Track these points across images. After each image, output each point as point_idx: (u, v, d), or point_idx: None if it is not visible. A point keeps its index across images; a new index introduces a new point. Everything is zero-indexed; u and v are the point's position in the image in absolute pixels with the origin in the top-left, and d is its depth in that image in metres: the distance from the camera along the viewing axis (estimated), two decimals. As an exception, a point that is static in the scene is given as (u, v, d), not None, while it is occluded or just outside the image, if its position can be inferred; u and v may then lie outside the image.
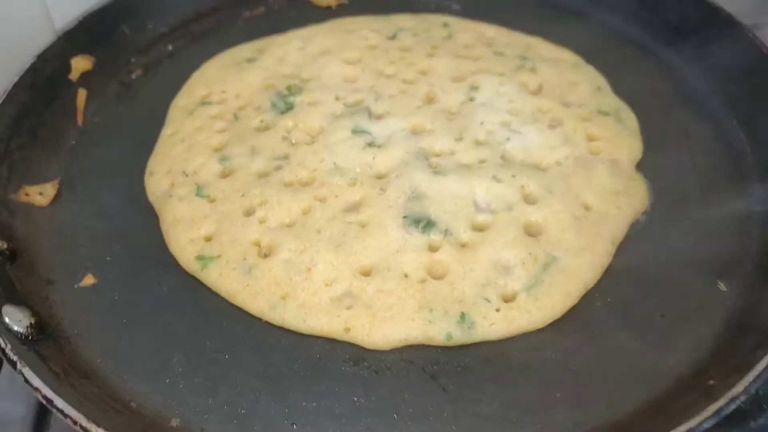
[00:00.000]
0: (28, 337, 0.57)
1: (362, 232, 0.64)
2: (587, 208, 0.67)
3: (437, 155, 0.70)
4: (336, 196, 0.67)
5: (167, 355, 0.59)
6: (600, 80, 0.81)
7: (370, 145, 0.71)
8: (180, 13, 0.95)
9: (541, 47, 0.86)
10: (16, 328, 0.56)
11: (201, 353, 0.59)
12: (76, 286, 0.65)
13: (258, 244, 0.65)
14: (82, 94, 0.83)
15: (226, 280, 0.63)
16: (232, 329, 0.61)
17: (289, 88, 0.79)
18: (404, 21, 0.91)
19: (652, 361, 0.57)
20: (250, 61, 0.85)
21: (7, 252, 0.65)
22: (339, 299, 0.60)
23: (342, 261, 0.62)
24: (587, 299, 0.62)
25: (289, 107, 0.77)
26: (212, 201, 0.68)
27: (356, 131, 0.72)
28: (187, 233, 0.66)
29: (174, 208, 0.68)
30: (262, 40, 0.90)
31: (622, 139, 0.74)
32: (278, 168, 0.70)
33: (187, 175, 0.71)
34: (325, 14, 0.96)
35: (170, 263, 0.66)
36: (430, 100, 0.77)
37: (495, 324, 0.59)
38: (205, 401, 0.56)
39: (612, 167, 0.70)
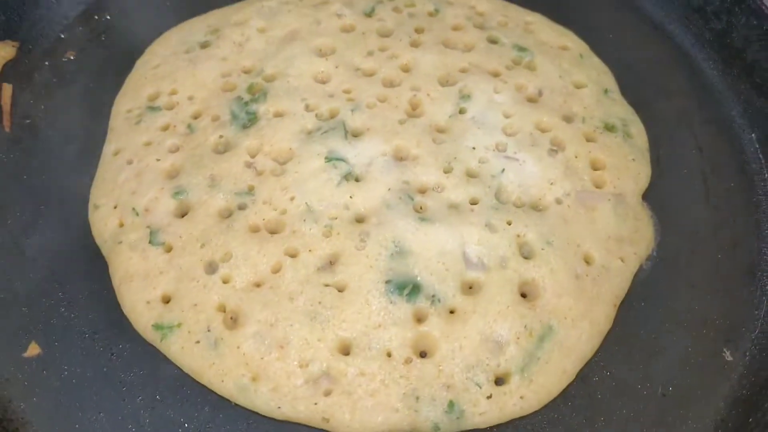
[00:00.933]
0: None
1: (340, 300, 0.57)
2: (588, 261, 0.60)
3: (423, 192, 0.62)
4: (309, 250, 0.59)
5: (129, 443, 0.54)
6: (607, 80, 0.72)
7: (347, 178, 0.62)
8: None
9: (541, 30, 0.75)
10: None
11: (166, 440, 0.54)
12: (21, 356, 0.58)
13: (223, 309, 0.58)
14: (7, 91, 0.71)
15: (189, 355, 0.56)
16: (199, 410, 0.55)
17: (250, 90, 0.69)
18: (384, -12, 0.78)
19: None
20: (204, 46, 0.73)
21: None
22: (316, 382, 0.55)
23: (318, 336, 0.56)
24: (584, 372, 0.57)
25: (252, 119, 0.66)
26: (168, 250, 0.60)
27: (330, 159, 0.63)
28: (142, 293, 0.59)
29: (125, 260, 0.60)
30: (215, 12, 0.77)
31: (628, 164, 0.66)
32: (242, 207, 0.61)
33: (137, 214, 0.62)
34: None
35: (124, 326, 0.59)
36: (414, 109, 0.68)
37: (486, 412, 0.54)
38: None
39: (617, 205, 0.63)
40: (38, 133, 0.70)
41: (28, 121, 0.70)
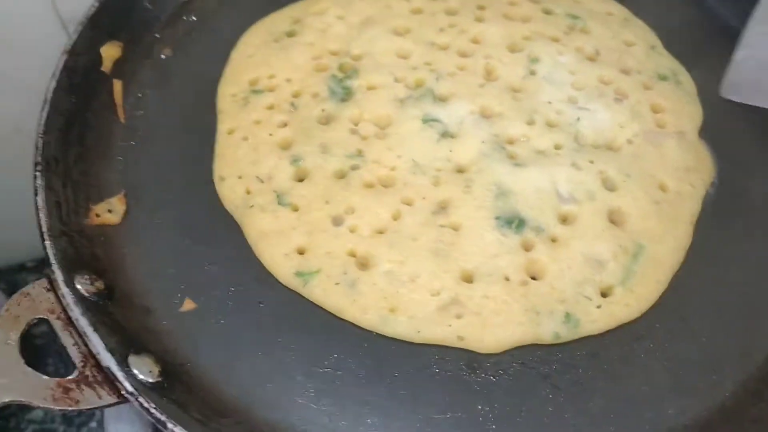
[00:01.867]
0: (162, 385, 0.58)
1: (457, 236, 0.65)
2: (664, 189, 0.69)
3: (512, 143, 0.71)
4: (423, 198, 0.67)
5: (289, 377, 0.61)
6: (652, 38, 0.81)
7: (444, 135, 0.70)
8: None
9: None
10: (150, 380, 0.57)
11: (321, 372, 0.61)
12: (177, 312, 0.65)
13: (354, 254, 0.65)
14: (118, 86, 0.78)
15: (332, 296, 0.64)
16: (346, 344, 0.63)
17: (342, 69, 0.77)
18: (442, -30, 0.86)
19: (744, 339, 0.62)
20: (290, 35, 0.81)
21: (105, 291, 0.64)
22: (447, 308, 0.63)
23: (444, 269, 0.64)
24: (674, 282, 0.66)
25: (348, 93, 0.74)
26: (296, 210, 0.68)
27: (426, 120, 0.71)
28: (279, 247, 0.66)
29: (258, 221, 0.68)
30: (293, 6, 0.85)
31: (684, 107, 0.75)
32: (355, 168, 0.69)
33: (262, 181, 0.70)
34: None
35: (266, 278, 0.66)
36: (490, 74, 0.76)
37: (597, 320, 0.63)
38: (335, 422, 0.59)
39: (679, 141, 0.72)
40: (151, 122, 0.77)
41: (140, 112, 0.78)
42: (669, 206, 0.68)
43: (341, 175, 0.69)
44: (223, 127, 0.75)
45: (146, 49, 0.82)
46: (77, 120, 0.73)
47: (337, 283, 0.64)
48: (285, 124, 0.74)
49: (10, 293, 1.30)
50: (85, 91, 0.75)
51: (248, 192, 0.70)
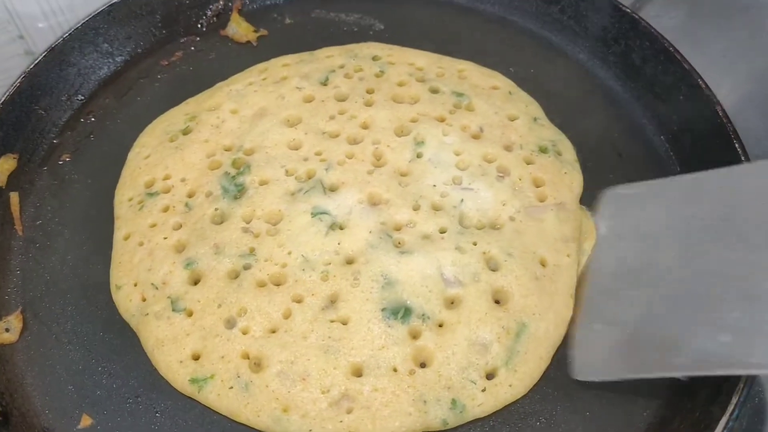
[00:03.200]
0: None
1: (346, 331, 0.67)
2: (543, 263, 0.72)
3: (399, 229, 0.73)
4: (312, 294, 0.69)
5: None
6: (534, 109, 0.85)
7: (332, 227, 0.73)
8: (93, 75, 0.90)
9: (473, 75, 0.88)
10: None
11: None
12: (74, 430, 0.65)
13: (247, 356, 0.67)
14: (14, 199, 0.79)
15: (225, 400, 0.65)
16: (243, 447, 0.64)
17: (235, 165, 0.79)
18: (332, 58, 0.90)
19: (626, 410, 0.65)
20: (186, 132, 0.83)
21: (1, 417, 0.64)
22: (338, 403, 0.64)
23: (333, 365, 0.65)
24: (557, 356, 0.68)
25: (241, 190, 0.76)
26: (190, 315, 0.69)
27: (315, 213, 0.73)
28: (174, 355, 0.68)
29: (154, 329, 0.69)
30: (189, 101, 0.87)
31: (563, 177, 0.78)
32: (247, 267, 0.71)
33: (156, 288, 0.71)
34: (245, 51, 0.93)
35: (162, 387, 0.67)
36: (378, 159, 0.79)
37: (483, 403, 0.65)
38: None
39: (558, 212, 0.75)
40: (50, 231, 0.78)
41: (39, 222, 0.79)
42: (549, 281, 0.71)
43: (234, 276, 0.71)
44: (119, 233, 0.76)
45: (44, 156, 0.84)
46: None
47: (231, 387, 0.66)
48: (180, 226, 0.75)
49: None
50: None
51: (144, 299, 0.71)
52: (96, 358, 0.69)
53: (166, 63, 0.92)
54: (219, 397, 0.66)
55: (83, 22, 0.88)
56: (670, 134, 0.83)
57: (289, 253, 0.71)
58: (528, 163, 0.79)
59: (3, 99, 0.81)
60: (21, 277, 0.75)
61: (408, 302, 0.68)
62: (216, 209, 0.76)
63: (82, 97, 0.89)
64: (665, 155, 0.82)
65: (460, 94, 0.84)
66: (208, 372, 0.66)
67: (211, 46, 0.94)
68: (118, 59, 0.92)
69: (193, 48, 0.94)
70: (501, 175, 0.77)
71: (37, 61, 0.84)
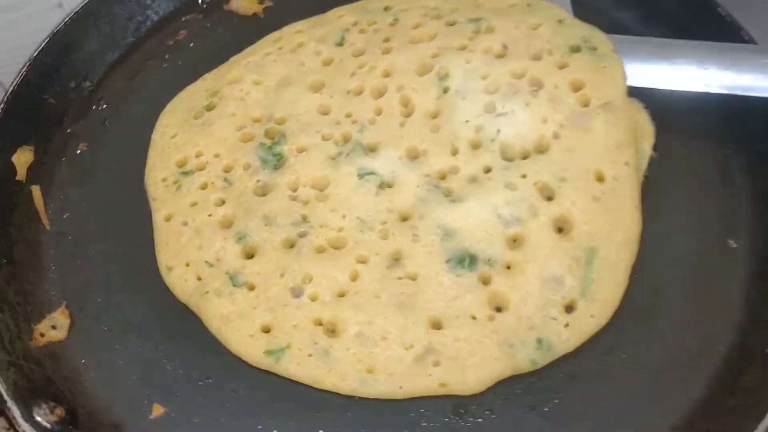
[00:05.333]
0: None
1: (416, 286, 0.65)
2: (601, 179, 0.69)
3: (444, 177, 0.71)
4: (376, 254, 0.67)
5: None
6: (558, 13, 0.81)
7: (381, 187, 0.71)
8: (99, 60, 0.86)
9: (488, 0, 0.85)
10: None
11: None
12: (148, 420, 0.62)
13: (320, 323, 0.65)
14: (37, 192, 0.75)
15: (307, 368, 0.63)
16: (330, 418, 0.62)
17: (268, 135, 0.76)
18: (343, 18, 0.87)
19: (706, 331, 0.65)
20: (210, 108, 0.80)
21: (68, 417, 0.60)
22: (423, 358, 0.63)
23: (412, 321, 0.64)
24: (634, 277, 0.67)
25: (280, 159, 0.74)
26: (252, 288, 0.67)
27: (362, 175, 0.71)
28: (244, 330, 0.65)
29: (217, 307, 0.66)
30: (206, 76, 0.84)
31: (603, 73, 0.74)
32: (303, 235, 0.69)
33: (211, 265, 0.68)
34: (253, 24, 0.90)
35: (234, 365, 0.65)
36: (406, 106, 0.76)
37: (569, 338, 0.64)
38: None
39: (606, 114, 0.71)
40: (80, 223, 0.74)
41: (66, 214, 0.75)
42: (610, 198, 0.69)
43: (291, 245, 0.69)
44: (159, 215, 0.73)
45: (60, 147, 0.79)
46: (0, 238, 0.70)
47: (310, 355, 0.63)
48: (223, 202, 0.72)
49: None
50: (2, 206, 0.72)
51: (199, 278, 0.68)
52: (156, 345, 0.66)
53: (172, 42, 0.89)
54: (299, 366, 0.63)
55: (82, 5, 0.84)
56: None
57: (344, 216, 0.69)
58: (561, 68, 0.75)
59: (11, 89, 0.76)
60: (58, 272, 0.71)
61: (471, 249, 0.67)
62: (258, 181, 0.73)
63: (90, 84, 0.84)
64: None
65: (477, 20, 0.81)
66: (284, 342, 0.64)
67: (216, 21, 0.91)
68: (122, 42, 0.88)
69: (197, 25, 0.90)
70: (534, 88, 0.74)
71: (40, 48, 0.80)
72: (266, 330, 0.65)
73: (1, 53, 0.92)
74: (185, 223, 0.71)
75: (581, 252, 0.67)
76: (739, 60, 0.72)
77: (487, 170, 0.71)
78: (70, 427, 0.60)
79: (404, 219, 0.69)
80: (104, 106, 0.83)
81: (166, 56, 0.88)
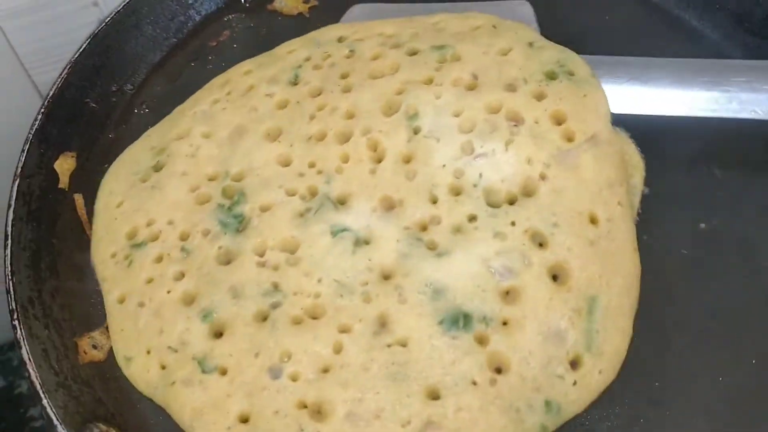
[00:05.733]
0: None
1: (409, 353, 0.59)
2: (595, 222, 0.65)
3: (425, 229, 0.65)
4: (360, 321, 0.61)
5: None
6: (526, 33, 0.76)
7: (357, 244, 0.64)
8: (140, 62, 0.84)
9: (449, 24, 0.79)
10: None
11: None
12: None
13: (304, 405, 0.58)
14: (80, 201, 0.71)
15: (294, 461, 0.56)
16: None
17: (226, 194, 0.69)
18: (294, 52, 0.80)
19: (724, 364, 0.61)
20: (157, 169, 0.72)
21: None
22: (424, 434, 0.57)
23: (406, 393, 0.58)
24: (637, 324, 0.63)
25: (242, 221, 0.67)
26: (224, 373, 0.60)
27: (336, 232, 0.65)
28: (218, 422, 0.58)
29: (186, 398, 0.59)
30: (149, 133, 0.77)
31: (584, 102, 0.69)
32: (276, 305, 0.62)
33: (176, 351, 0.61)
34: (297, 24, 0.87)
35: (213, 462, 0.58)
36: (374, 150, 0.70)
37: (578, 398, 0.59)
38: None
39: (593, 148, 0.67)
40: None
41: None
42: (606, 241, 0.64)
43: (263, 318, 0.62)
44: (111, 297, 0.66)
45: (102, 152, 0.76)
46: (43, 249, 0.67)
47: (298, 447, 0.57)
48: (182, 275, 0.65)
49: (2, 374, 1.32)
50: (45, 215, 0.69)
51: (163, 367, 0.61)
52: None
53: (215, 43, 0.86)
54: (286, 459, 0.57)
55: (124, 4, 0.81)
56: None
57: (319, 280, 0.63)
58: (539, 99, 0.70)
59: (51, 93, 0.73)
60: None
61: (464, 307, 0.61)
62: (219, 248, 0.66)
63: (132, 87, 0.82)
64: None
65: (441, 47, 0.75)
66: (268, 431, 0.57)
67: (259, 21, 0.88)
68: (164, 43, 0.85)
69: (240, 25, 0.88)
70: (514, 123, 0.68)
71: (81, 50, 0.77)
72: (244, 419, 0.58)
73: (35, 53, 0.93)
74: (142, 304, 0.64)
75: (582, 302, 0.62)
76: (726, 78, 0.68)
77: (472, 218, 0.65)
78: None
79: (387, 278, 0.63)
80: (146, 110, 0.80)
81: (209, 57, 0.85)
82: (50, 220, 0.69)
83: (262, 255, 0.65)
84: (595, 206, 0.65)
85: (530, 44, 0.74)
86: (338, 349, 0.60)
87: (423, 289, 0.62)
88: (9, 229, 0.64)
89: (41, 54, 0.90)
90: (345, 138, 0.71)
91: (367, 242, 0.65)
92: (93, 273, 0.68)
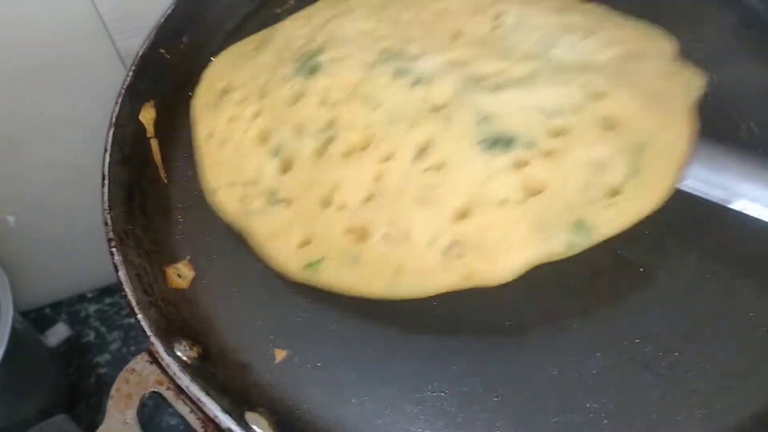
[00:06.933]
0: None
1: (443, 175, 0.61)
2: (652, 89, 0.63)
3: (488, 78, 0.66)
4: (402, 146, 0.63)
5: (398, 409, 0.60)
6: None
7: (417, 82, 0.66)
8: (219, 29, 0.88)
9: None
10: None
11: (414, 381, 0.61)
12: (275, 364, 0.64)
13: (350, 231, 0.63)
14: (155, 146, 0.79)
15: (341, 278, 0.62)
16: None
17: (308, 54, 0.74)
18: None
19: None
20: (258, 49, 0.80)
21: (204, 354, 0.63)
22: (448, 252, 0.59)
23: (434, 214, 0.60)
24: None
25: (316, 66, 0.72)
26: (289, 204, 0.67)
27: (398, 73, 0.67)
28: (283, 246, 0.65)
29: (261, 225, 0.67)
30: (261, 32, 0.84)
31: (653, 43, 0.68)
32: (330, 140, 0.67)
33: (252, 184, 0.69)
34: None
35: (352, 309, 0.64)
36: (456, 36, 0.71)
37: (611, 220, 0.57)
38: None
39: (660, 57, 0.66)
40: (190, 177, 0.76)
41: (190, 173, 0.76)
42: (661, 102, 0.62)
43: (320, 154, 0.67)
44: (200, 133, 0.74)
45: (184, 109, 0.81)
46: (136, 191, 0.74)
47: (342, 264, 0.62)
48: (258, 114, 0.72)
49: (71, 324, 1.40)
50: (136, 160, 0.76)
51: (242, 198, 0.69)
52: (279, 294, 0.67)
53: (279, 11, 0.88)
54: (334, 276, 0.62)
55: None
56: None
57: (373, 109, 0.66)
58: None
59: (141, 52, 0.80)
60: (182, 228, 0.74)
61: (509, 132, 0.61)
62: (291, 87, 0.71)
63: (209, 53, 0.85)
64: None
65: None
66: (319, 254, 0.63)
67: None
68: (239, 12, 0.89)
69: None
70: (590, 32, 0.68)
71: (166, 15, 0.83)
72: (302, 245, 0.65)
73: (115, 20, 1.02)
74: (224, 141, 0.72)
75: (631, 142, 0.59)
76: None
77: (536, 72, 0.65)
78: (207, 363, 0.63)
79: (438, 109, 0.65)
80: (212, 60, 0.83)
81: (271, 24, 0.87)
82: (140, 165, 0.76)
83: (326, 92, 0.69)
84: (655, 83, 0.63)
85: None
86: (378, 177, 0.63)
87: (472, 115, 0.62)
88: (106, 170, 0.72)
89: (125, 21, 0.96)
90: (430, 28, 0.73)
91: (427, 81, 0.66)
92: (177, 212, 0.74)
